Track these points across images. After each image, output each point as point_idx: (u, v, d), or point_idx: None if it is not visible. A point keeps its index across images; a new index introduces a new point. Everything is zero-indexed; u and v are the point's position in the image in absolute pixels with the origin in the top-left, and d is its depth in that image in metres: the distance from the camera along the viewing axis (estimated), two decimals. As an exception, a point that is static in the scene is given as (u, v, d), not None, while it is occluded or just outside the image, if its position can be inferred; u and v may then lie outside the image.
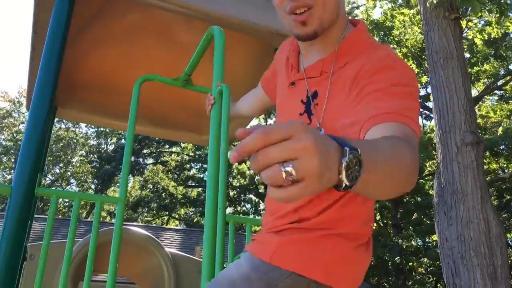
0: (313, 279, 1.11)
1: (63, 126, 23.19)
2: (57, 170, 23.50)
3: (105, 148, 24.32)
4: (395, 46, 10.61)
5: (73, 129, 23.93)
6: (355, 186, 0.68)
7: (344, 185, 0.66)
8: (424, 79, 11.36)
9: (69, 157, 23.75)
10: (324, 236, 1.14)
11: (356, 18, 1.43)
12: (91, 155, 24.34)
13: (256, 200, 20.90)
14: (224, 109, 1.55)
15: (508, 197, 17.02)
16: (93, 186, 23.46)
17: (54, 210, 1.95)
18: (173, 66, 2.91)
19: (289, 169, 0.59)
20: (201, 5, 2.48)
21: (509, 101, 16.88)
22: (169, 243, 11.40)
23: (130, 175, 19.98)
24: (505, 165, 17.36)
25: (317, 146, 0.60)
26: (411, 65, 10.59)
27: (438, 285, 18.37)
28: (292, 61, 1.30)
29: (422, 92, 19.09)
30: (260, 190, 20.00)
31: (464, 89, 6.75)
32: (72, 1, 2.28)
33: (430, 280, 19.23)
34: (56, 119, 4.61)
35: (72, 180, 24.15)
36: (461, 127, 6.50)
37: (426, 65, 9.51)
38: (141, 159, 22.80)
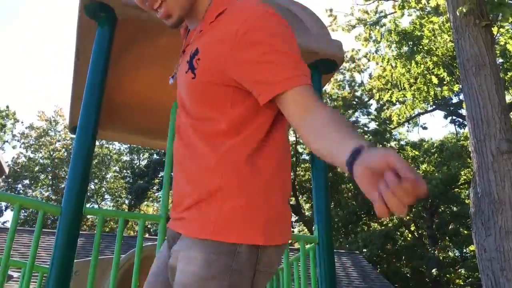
0: (256, 244, 1.09)
1: (97, 143, 23.73)
2: (92, 186, 24.02)
3: (138, 164, 24.75)
4: (425, 55, 10.50)
5: (107, 146, 24.47)
6: None
7: None
8: (456, 87, 11.16)
9: (103, 173, 24.25)
10: (256, 197, 1.12)
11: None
12: (124, 171, 24.80)
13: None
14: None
15: (548, 205, 16.47)
16: (126, 201, 23.87)
17: (101, 228, 2.05)
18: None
19: None
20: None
21: (546, 106, 16.41)
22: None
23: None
24: (544, 172, 16.82)
25: None
26: (441, 73, 10.44)
27: (478, 297, 17.84)
28: (182, 35, 1.40)
29: (455, 100, 18.78)
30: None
31: (497, 97, 6.63)
32: (113, 29, 2.40)
33: (469, 292, 18.70)
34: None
35: (106, 196, 24.65)
36: (496, 135, 6.38)
37: (457, 73, 9.39)
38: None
